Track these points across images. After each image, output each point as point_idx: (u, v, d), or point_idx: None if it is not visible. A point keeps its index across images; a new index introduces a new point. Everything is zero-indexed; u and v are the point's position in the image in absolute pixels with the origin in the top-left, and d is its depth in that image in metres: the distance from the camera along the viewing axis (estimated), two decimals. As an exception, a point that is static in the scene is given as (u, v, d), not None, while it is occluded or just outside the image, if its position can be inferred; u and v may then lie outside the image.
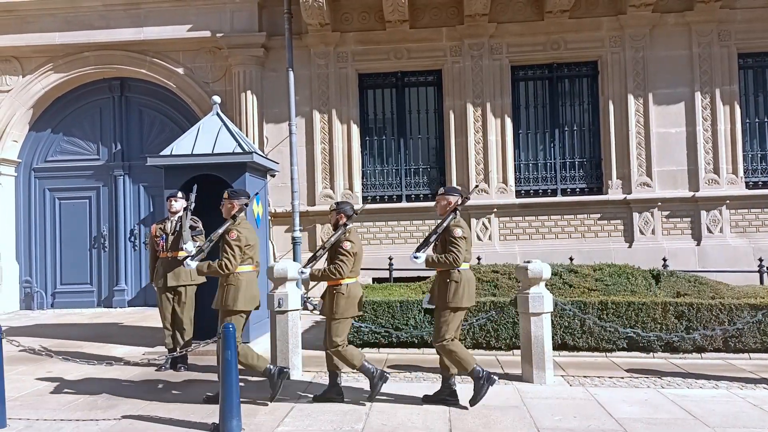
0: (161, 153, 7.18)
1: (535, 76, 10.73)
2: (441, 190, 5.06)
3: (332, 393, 4.92)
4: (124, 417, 4.58)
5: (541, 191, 10.55)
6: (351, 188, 10.51)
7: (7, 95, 10.89)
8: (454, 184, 10.38)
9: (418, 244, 5.08)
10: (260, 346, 6.94)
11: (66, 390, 5.43)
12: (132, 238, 11.05)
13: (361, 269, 9.91)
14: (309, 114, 10.56)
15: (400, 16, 10.13)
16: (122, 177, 11.10)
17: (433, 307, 4.90)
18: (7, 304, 10.75)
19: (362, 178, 10.69)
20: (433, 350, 6.58)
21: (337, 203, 5.15)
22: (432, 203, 10.45)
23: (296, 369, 5.72)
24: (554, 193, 10.51)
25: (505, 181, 10.39)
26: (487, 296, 6.84)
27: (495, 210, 10.33)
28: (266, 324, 7.44)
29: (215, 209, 7.26)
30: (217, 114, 7.53)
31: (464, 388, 4.92)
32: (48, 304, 11.06)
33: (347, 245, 4.85)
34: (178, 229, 6.31)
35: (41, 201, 11.20)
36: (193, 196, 6.40)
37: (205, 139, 7.20)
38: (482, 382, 4.66)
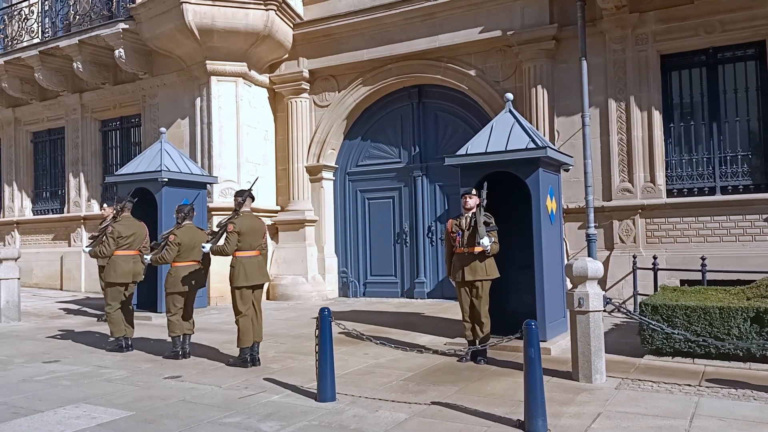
0: (457, 153, 7.47)
1: None
2: (234, 192, 6.43)
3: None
4: (433, 403, 4.85)
5: None
6: (653, 180, 9.63)
7: (326, 110, 12.53)
8: (785, 173, 8.80)
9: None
10: (558, 346, 6.80)
11: (381, 371, 6.00)
12: (429, 234, 11.79)
13: (668, 270, 9.10)
14: (603, 103, 9.98)
15: (711, -15, 8.97)
16: (420, 177, 11.91)
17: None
18: (329, 291, 12.38)
19: (666, 169, 9.71)
20: (763, 365, 5.67)
21: (178, 206, 6.85)
22: (755, 195, 9.04)
23: (599, 373, 5.41)
24: None
25: None
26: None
27: (843, 202, 8.47)
28: (562, 323, 7.25)
29: (504, 204, 7.34)
30: (510, 111, 7.54)
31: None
32: (360, 292, 12.43)
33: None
34: (472, 225, 6.48)
35: (354, 201, 12.64)
36: (484, 193, 6.51)
37: (498, 136, 7.28)
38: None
